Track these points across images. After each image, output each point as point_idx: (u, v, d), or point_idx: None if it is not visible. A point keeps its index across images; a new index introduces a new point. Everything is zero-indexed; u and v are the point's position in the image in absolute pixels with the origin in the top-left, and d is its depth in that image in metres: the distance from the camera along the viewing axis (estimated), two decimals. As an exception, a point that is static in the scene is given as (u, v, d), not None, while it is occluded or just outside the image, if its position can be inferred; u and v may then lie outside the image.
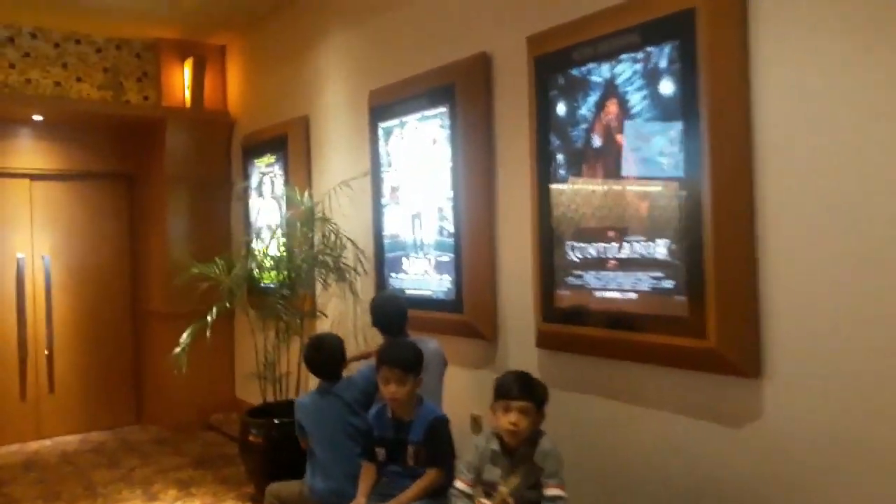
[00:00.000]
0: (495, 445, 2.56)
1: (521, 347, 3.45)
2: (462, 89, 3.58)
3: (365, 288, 4.43)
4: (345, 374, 3.28)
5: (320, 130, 4.97)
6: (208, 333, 4.05)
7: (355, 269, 4.34)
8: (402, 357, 2.80)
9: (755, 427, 2.55)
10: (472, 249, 3.59)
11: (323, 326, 4.68)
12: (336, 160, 4.77)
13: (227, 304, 4.21)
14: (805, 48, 2.38)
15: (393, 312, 3.41)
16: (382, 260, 4.21)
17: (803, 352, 2.42)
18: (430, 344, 3.41)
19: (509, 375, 2.62)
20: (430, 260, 3.85)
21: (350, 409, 3.09)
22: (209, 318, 4.05)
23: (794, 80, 2.41)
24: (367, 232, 4.43)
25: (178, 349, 4.05)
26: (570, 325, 3.07)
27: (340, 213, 4.57)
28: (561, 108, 3.09)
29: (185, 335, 4.07)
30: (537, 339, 3.27)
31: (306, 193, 4.62)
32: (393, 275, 4.14)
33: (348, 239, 4.42)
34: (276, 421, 4.11)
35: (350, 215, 4.52)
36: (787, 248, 2.45)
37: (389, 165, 4.14)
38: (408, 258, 4.02)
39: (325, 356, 3.17)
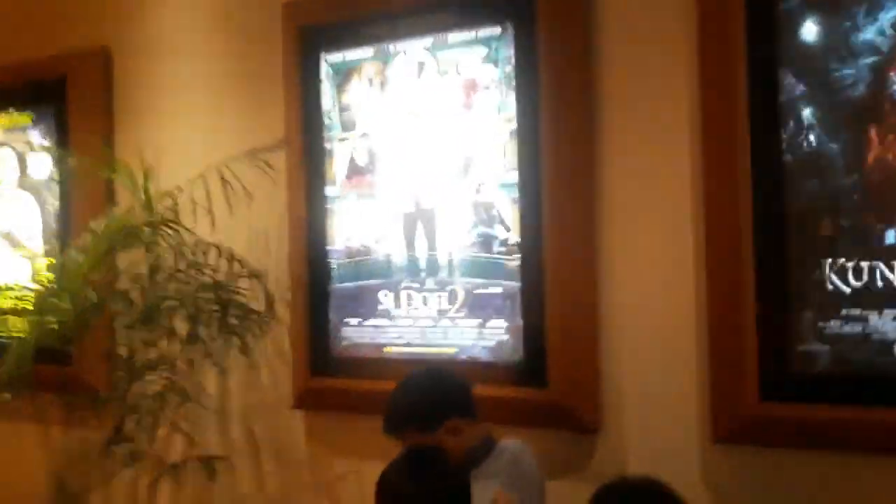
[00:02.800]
0: None
1: (659, 442, 2.00)
2: (546, -2, 2.06)
3: (268, 346, 2.51)
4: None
5: (140, 72, 2.84)
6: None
7: (259, 315, 2.38)
8: None
9: None
10: (561, 275, 2.05)
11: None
12: (190, 123, 2.72)
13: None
14: None
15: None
16: (324, 295, 2.38)
17: None
18: (525, 455, 1.82)
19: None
20: (452, 293, 2.19)
21: None
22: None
23: None
24: (273, 247, 2.54)
25: None
26: (833, 404, 1.76)
27: (204, 217, 2.57)
28: (809, 31, 1.79)
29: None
30: (724, 429, 1.86)
31: (141, 180, 2.50)
32: (351, 321, 2.34)
33: (236, 261, 2.45)
34: None
35: (228, 218, 2.55)
36: None
37: (348, 129, 2.36)
38: (392, 291, 2.28)
39: None
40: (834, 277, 1.77)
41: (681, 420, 1.97)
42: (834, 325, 1.77)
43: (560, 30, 2.04)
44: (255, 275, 2.43)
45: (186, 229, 2.45)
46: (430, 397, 1.71)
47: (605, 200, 2.05)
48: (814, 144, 1.79)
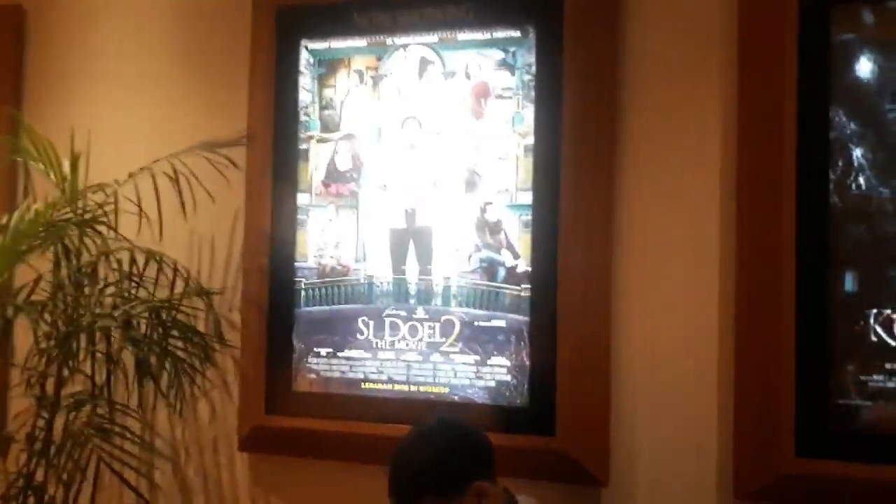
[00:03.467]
0: None
1: (674, 497, 1.82)
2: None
3: (210, 375, 2.12)
4: None
5: (66, 39, 2.37)
6: None
7: (203, 338, 2.00)
8: None
9: None
10: (575, 310, 1.84)
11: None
12: (129, 104, 2.29)
13: None
14: None
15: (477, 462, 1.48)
16: (287, 319, 2.04)
17: None
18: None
19: None
20: (446, 325, 1.92)
21: None
22: None
23: None
24: (222, 258, 2.17)
25: None
26: (873, 463, 1.64)
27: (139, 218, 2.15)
28: (864, 68, 1.70)
29: None
30: (753, 485, 1.70)
31: (65, 166, 2.05)
32: (320, 352, 2.01)
33: (180, 275, 2.06)
34: None
35: (171, 223, 2.14)
36: None
37: (329, 128, 2.04)
38: (373, 319, 1.98)
39: None
40: (879, 329, 1.67)
41: (698, 474, 1.81)
42: (877, 380, 1.66)
43: (589, 39, 1.85)
44: (201, 292, 2.05)
45: (119, 234, 2.04)
46: (453, 456, 1.43)
47: (627, 231, 1.87)
48: (863, 188, 1.69)
